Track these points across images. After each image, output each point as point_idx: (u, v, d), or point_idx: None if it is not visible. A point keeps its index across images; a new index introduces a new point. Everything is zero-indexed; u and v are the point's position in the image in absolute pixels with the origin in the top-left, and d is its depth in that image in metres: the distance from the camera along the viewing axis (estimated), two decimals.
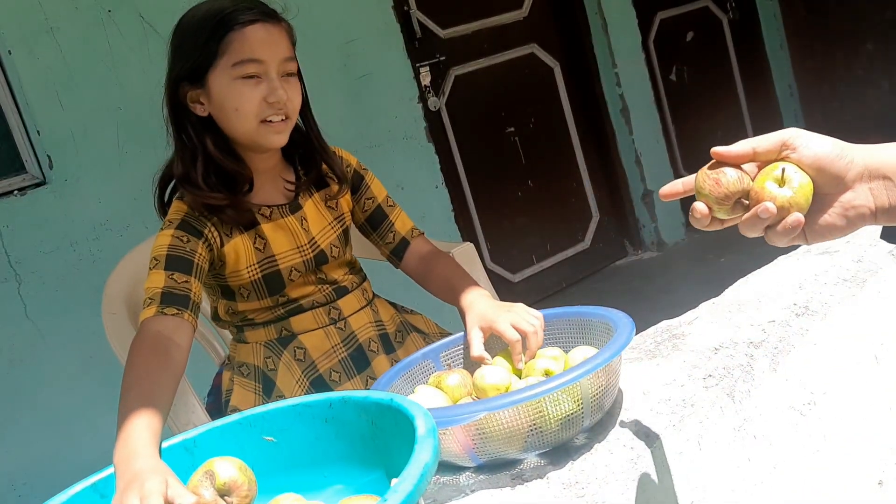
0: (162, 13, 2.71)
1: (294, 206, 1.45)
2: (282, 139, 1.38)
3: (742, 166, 0.82)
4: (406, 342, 1.56)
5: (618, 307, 1.12)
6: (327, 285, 1.49)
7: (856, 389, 1.20)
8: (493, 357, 1.16)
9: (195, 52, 1.33)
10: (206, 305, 1.81)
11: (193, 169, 1.36)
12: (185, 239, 1.35)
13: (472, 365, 1.18)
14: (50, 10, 2.55)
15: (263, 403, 1.36)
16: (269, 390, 1.46)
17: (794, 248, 1.49)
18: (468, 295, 1.33)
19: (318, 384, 1.45)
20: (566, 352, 1.11)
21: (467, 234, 3.52)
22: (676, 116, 4.37)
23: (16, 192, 2.50)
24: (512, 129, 3.83)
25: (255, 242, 1.42)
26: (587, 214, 4.08)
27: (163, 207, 1.47)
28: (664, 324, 1.30)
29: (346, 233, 1.54)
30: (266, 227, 1.42)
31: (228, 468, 0.87)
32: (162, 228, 1.38)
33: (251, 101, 1.33)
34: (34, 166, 2.56)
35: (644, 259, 4.11)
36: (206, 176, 1.37)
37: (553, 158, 3.97)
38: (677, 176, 4.28)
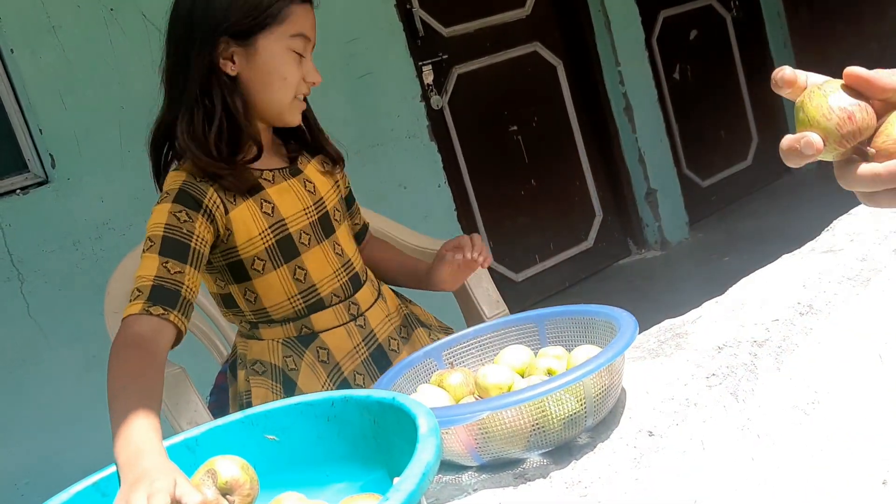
0: (164, 12, 2.71)
1: (294, 171, 1.46)
2: (300, 118, 1.43)
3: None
4: (412, 338, 1.56)
5: (621, 306, 1.11)
6: (340, 257, 1.48)
7: (860, 388, 1.20)
8: (491, 360, 1.16)
9: (256, 10, 1.32)
10: (207, 301, 1.81)
11: (208, 132, 1.33)
12: (182, 216, 1.30)
13: (474, 363, 1.18)
14: (52, 9, 2.55)
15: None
16: (290, 390, 1.42)
17: (798, 247, 1.49)
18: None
19: (345, 388, 1.44)
20: (569, 351, 1.11)
21: (470, 233, 3.52)
22: (680, 115, 4.36)
23: (18, 191, 2.51)
24: (515, 127, 3.83)
25: (261, 207, 1.39)
26: (590, 213, 4.07)
27: (159, 171, 1.43)
28: (667, 323, 1.30)
29: (342, 201, 1.56)
30: (271, 191, 1.40)
31: (230, 467, 0.87)
32: (159, 201, 1.34)
33: (296, 74, 1.36)
34: (36, 165, 2.56)
35: (647, 258, 4.11)
36: (219, 141, 1.34)
37: (556, 157, 3.97)
38: (680, 175, 4.27)
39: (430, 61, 3.49)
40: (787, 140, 0.65)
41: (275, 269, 1.41)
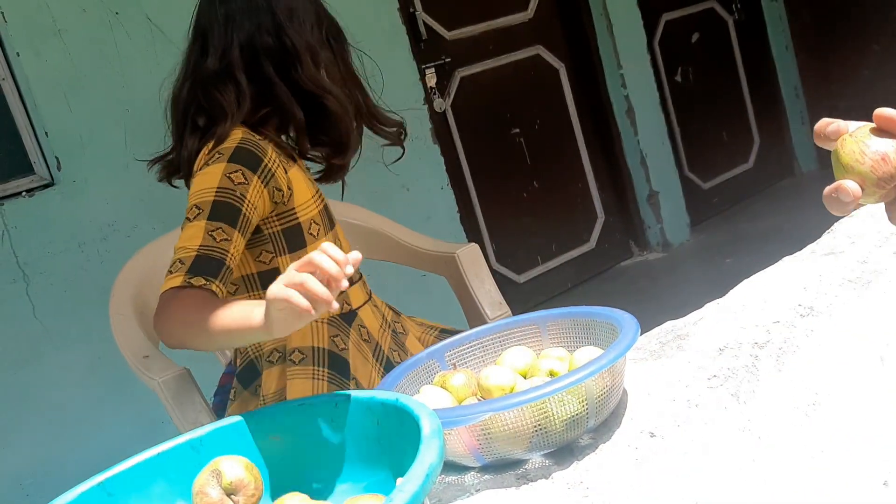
0: (169, 15, 2.72)
1: (294, 158, 1.46)
2: None
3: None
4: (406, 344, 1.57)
5: (623, 308, 1.12)
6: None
7: (861, 390, 1.20)
8: (494, 361, 1.17)
9: (337, 35, 1.42)
10: None
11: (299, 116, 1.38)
12: (237, 177, 1.25)
13: (476, 365, 1.19)
14: (57, 12, 2.56)
15: (329, 388, 1.31)
16: (340, 369, 1.37)
17: (799, 249, 1.49)
18: None
19: (389, 368, 1.42)
20: (571, 352, 1.11)
21: (473, 235, 3.53)
22: (682, 118, 4.36)
23: (24, 193, 2.52)
24: (517, 130, 3.83)
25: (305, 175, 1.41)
26: (592, 215, 4.08)
27: (182, 135, 1.40)
28: (669, 324, 1.30)
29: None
30: (295, 169, 1.41)
31: (235, 467, 0.87)
32: (209, 162, 1.27)
33: None
34: (42, 167, 2.57)
35: (649, 260, 4.11)
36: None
37: (558, 159, 3.97)
38: (682, 176, 4.28)
39: (433, 64, 3.50)
40: (826, 190, 0.65)
41: (325, 234, 1.39)
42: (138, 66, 2.67)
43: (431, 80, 3.49)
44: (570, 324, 1.18)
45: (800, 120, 4.74)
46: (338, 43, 1.45)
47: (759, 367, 1.10)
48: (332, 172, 1.49)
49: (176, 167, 1.45)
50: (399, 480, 0.70)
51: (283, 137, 1.44)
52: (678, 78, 4.38)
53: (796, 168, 4.76)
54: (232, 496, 0.87)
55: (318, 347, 1.39)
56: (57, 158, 2.55)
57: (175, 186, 1.58)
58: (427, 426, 0.78)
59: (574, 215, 4.01)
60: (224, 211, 1.23)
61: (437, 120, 3.48)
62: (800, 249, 1.49)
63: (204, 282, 1.18)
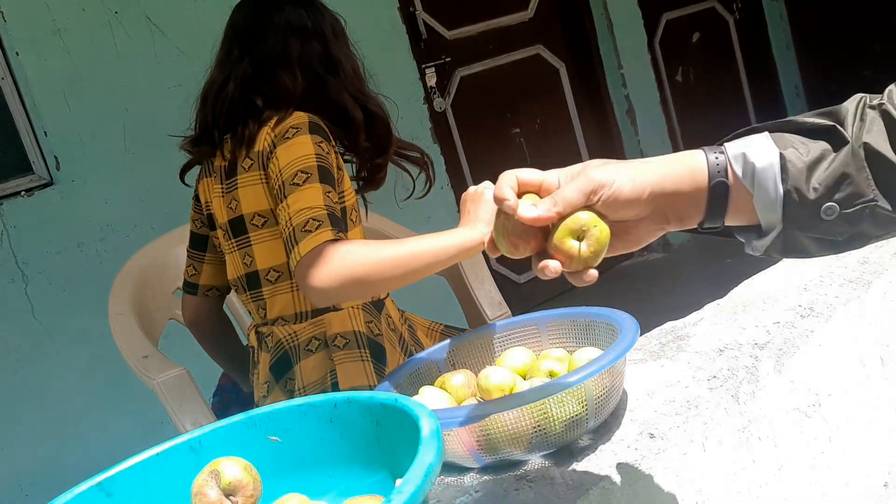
0: (168, 15, 2.72)
1: None
2: None
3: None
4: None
5: (623, 308, 1.12)
6: None
7: (861, 391, 1.20)
8: (493, 362, 1.17)
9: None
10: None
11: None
12: (324, 146, 1.33)
13: (476, 365, 1.19)
14: (57, 12, 2.56)
15: (374, 371, 1.34)
16: (379, 356, 1.41)
17: None
18: None
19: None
20: (571, 353, 1.11)
21: None
22: (682, 117, 4.36)
23: (23, 192, 2.52)
24: (517, 129, 3.83)
25: None
26: None
27: (211, 134, 1.46)
28: (669, 325, 1.30)
29: None
30: None
31: (233, 468, 0.87)
32: (291, 135, 1.34)
33: None
34: (41, 167, 2.57)
35: (650, 260, 4.11)
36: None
37: (559, 159, 3.93)
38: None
39: (433, 64, 3.50)
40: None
41: (359, 224, 1.45)
42: (138, 66, 2.67)
43: (431, 80, 3.49)
44: (569, 324, 1.17)
45: None
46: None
47: (759, 368, 1.10)
48: (373, 174, 1.56)
49: (208, 151, 1.50)
50: (398, 481, 0.70)
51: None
52: (679, 77, 4.38)
53: None
54: (230, 497, 0.87)
55: (358, 332, 1.42)
56: (56, 158, 2.55)
57: (187, 185, 1.58)
58: (426, 427, 0.77)
59: None
60: (327, 174, 1.29)
61: (437, 120, 3.48)
62: None
63: (343, 236, 1.22)
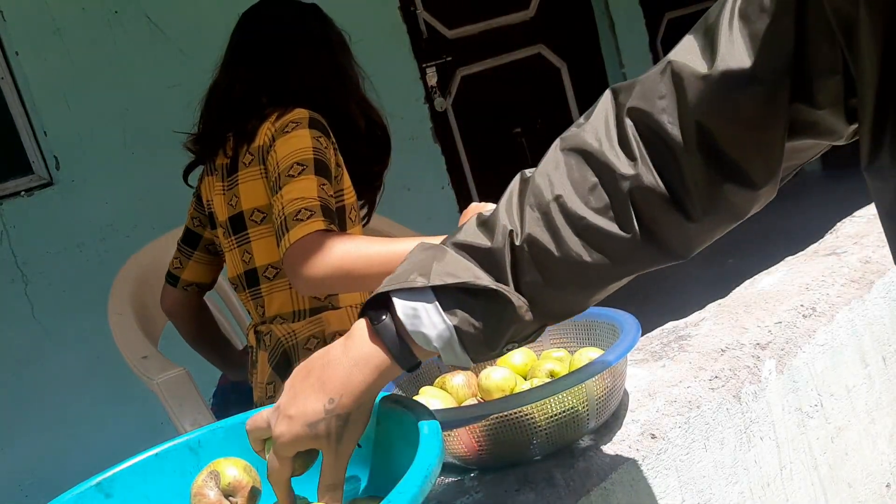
0: (169, 15, 2.72)
1: None
2: None
3: None
4: None
5: (624, 308, 1.11)
6: None
7: (863, 391, 1.20)
8: (494, 361, 1.16)
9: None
10: (211, 304, 1.81)
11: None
12: (323, 141, 1.35)
13: (477, 365, 1.18)
14: (57, 12, 2.56)
15: None
16: None
17: (802, 249, 1.49)
18: None
19: None
20: (572, 353, 1.11)
21: None
22: None
23: (23, 192, 2.51)
24: (519, 129, 3.83)
25: None
26: None
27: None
28: (670, 325, 1.29)
29: None
30: None
31: (233, 469, 0.87)
32: (290, 130, 1.35)
33: None
34: (41, 167, 2.57)
35: None
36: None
37: None
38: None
39: (433, 63, 3.50)
40: None
41: (358, 223, 1.46)
42: (137, 66, 2.67)
43: (432, 79, 3.49)
44: (570, 324, 1.17)
45: None
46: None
47: (760, 368, 1.10)
48: (371, 182, 1.58)
49: (212, 150, 1.51)
50: (398, 482, 0.69)
51: None
52: None
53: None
54: (230, 497, 0.86)
55: None
56: (56, 158, 2.55)
57: (189, 185, 1.58)
58: (426, 427, 0.77)
59: None
60: (323, 168, 1.30)
61: (438, 119, 3.48)
62: (802, 250, 1.48)
63: (335, 228, 1.23)
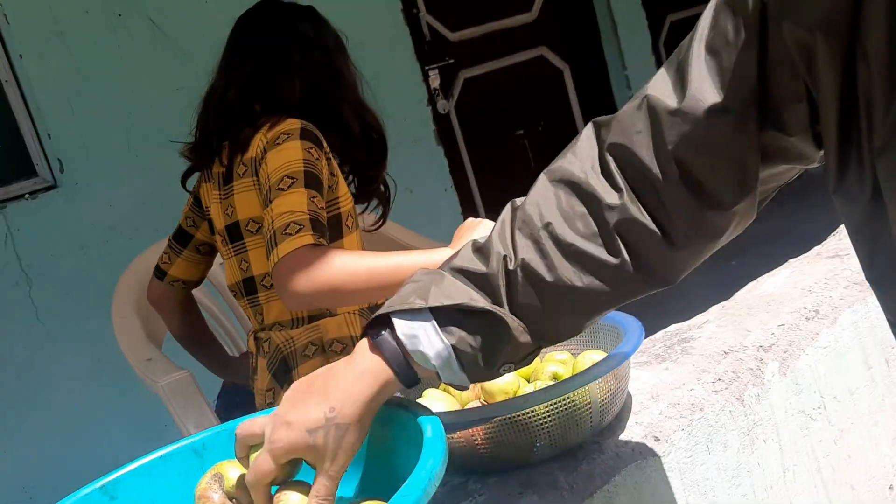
0: (171, 17, 2.73)
1: None
2: None
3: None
4: None
5: (627, 311, 1.11)
6: None
7: (866, 394, 1.20)
8: None
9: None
10: (213, 304, 1.81)
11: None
12: (314, 152, 1.33)
13: None
14: (60, 14, 2.56)
15: None
16: None
17: (805, 251, 1.49)
18: None
19: None
20: (575, 356, 1.11)
21: None
22: None
23: (27, 195, 2.52)
24: (521, 131, 3.83)
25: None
26: None
27: (211, 140, 1.47)
28: (674, 327, 1.29)
29: None
30: None
31: (237, 471, 0.87)
32: (281, 141, 1.34)
33: None
34: (45, 170, 2.57)
35: None
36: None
37: None
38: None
39: (436, 66, 3.50)
40: None
41: (355, 230, 1.46)
42: (141, 68, 2.67)
43: (435, 82, 3.49)
44: None
45: None
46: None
47: (763, 371, 1.10)
48: (366, 185, 1.57)
49: (208, 158, 1.51)
50: (402, 485, 0.69)
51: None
52: None
53: None
54: (234, 500, 0.86)
55: (355, 336, 1.43)
56: (59, 161, 2.56)
57: (188, 191, 1.59)
58: (430, 430, 0.77)
59: None
60: (314, 180, 1.29)
61: (441, 121, 3.48)
62: (805, 252, 1.48)
63: (324, 242, 1.22)
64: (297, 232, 1.21)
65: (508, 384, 1.05)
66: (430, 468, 0.71)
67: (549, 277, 0.74)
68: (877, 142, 0.60)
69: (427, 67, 3.46)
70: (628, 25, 4.01)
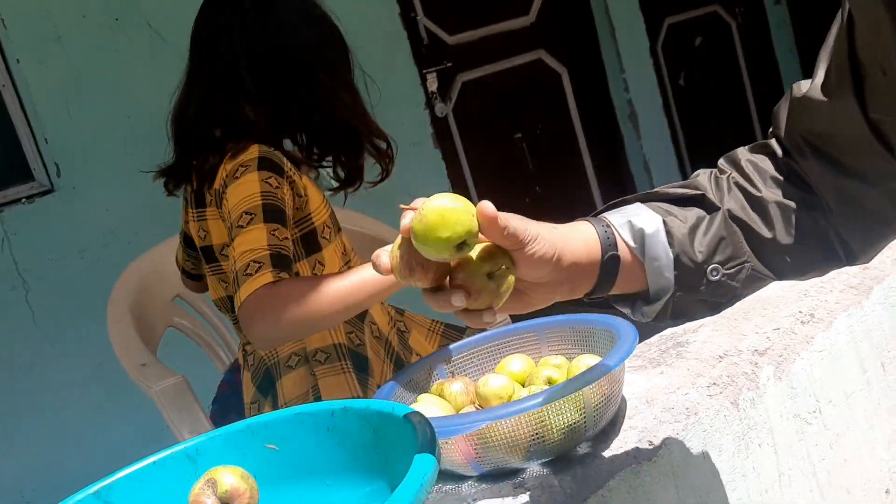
0: (170, 21, 2.72)
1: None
2: None
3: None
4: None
5: (620, 316, 1.11)
6: (344, 255, 1.51)
7: (861, 397, 1.20)
8: (492, 369, 1.16)
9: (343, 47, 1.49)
10: (208, 309, 1.81)
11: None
12: (273, 181, 1.30)
13: (475, 372, 1.18)
14: (58, 19, 2.56)
15: (357, 383, 1.34)
16: (362, 367, 1.40)
17: None
18: None
19: (399, 366, 1.45)
20: (570, 360, 1.11)
21: None
22: (685, 122, 4.36)
23: (24, 199, 2.52)
24: (519, 135, 3.83)
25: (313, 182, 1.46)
26: None
27: (192, 156, 1.44)
28: (668, 332, 1.29)
29: None
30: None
31: (230, 477, 0.87)
32: (239, 174, 1.31)
33: None
34: (42, 174, 2.57)
35: None
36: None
37: (561, 164, 3.97)
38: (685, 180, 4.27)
39: (434, 69, 3.50)
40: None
41: (335, 236, 1.45)
42: (139, 73, 2.67)
43: (433, 85, 3.49)
44: (568, 332, 1.17)
45: None
46: (343, 54, 1.53)
47: (759, 375, 1.10)
48: (349, 175, 1.53)
49: (183, 178, 1.48)
50: (395, 490, 0.69)
51: (294, 146, 1.48)
52: (681, 82, 4.38)
53: None
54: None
55: (339, 344, 1.42)
56: (57, 165, 2.56)
57: (177, 196, 1.58)
58: (423, 435, 0.77)
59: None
60: (274, 212, 1.27)
61: (439, 125, 3.48)
62: None
63: (287, 276, 1.21)
64: (256, 272, 1.19)
65: (503, 389, 1.05)
66: (422, 474, 0.71)
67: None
68: None
69: (425, 71, 3.46)
70: (626, 28, 4.01)
